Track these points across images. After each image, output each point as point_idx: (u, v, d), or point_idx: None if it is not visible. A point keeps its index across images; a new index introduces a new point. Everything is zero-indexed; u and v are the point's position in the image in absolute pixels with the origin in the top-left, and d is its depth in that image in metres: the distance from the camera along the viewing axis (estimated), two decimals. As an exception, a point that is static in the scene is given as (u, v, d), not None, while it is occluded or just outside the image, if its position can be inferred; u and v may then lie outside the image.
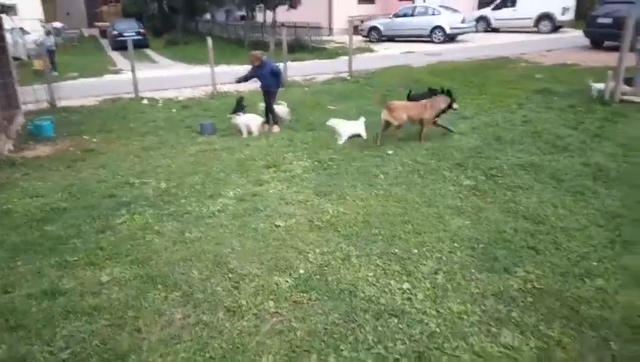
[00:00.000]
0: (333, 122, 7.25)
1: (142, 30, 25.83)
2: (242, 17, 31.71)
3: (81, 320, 3.05)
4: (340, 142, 7.03)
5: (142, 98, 11.27)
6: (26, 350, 2.80)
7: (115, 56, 22.39)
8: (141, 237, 4.25)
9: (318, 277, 3.49)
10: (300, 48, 19.29)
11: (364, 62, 14.70)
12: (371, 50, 18.98)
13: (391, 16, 21.79)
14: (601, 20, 15.13)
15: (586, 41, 16.20)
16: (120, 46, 21.69)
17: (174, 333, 2.92)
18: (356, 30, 22.94)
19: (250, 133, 7.84)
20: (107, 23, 30.21)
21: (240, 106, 7.94)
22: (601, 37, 15.35)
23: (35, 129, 8.47)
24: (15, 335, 2.93)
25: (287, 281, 3.45)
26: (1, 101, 8.40)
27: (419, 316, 3.00)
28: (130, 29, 25.19)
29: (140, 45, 22.87)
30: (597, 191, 4.74)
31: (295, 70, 13.42)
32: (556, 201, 4.57)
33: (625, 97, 8.40)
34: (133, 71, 11.51)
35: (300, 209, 4.74)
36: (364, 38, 22.13)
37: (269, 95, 8.05)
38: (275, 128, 8.09)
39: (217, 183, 5.56)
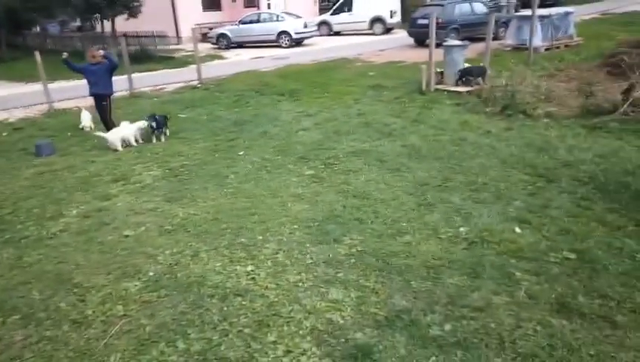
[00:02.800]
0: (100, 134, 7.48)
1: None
2: (79, 28, 29.28)
3: None
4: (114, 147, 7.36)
5: (-40, 124, 9.93)
6: None
7: None
8: (-31, 269, 3.94)
9: (167, 276, 3.65)
10: (146, 58, 18.56)
11: (215, 70, 14.80)
12: (221, 57, 19.11)
13: (237, 22, 22.15)
14: (420, 22, 17.34)
15: (411, 41, 18.41)
16: None
17: (15, 354, 2.86)
18: (206, 37, 22.87)
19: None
20: None
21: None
22: (422, 36, 17.59)
23: None
24: None
25: (136, 285, 3.54)
26: None
27: (260, 291, 3.36)
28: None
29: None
30: (410, 166, 5.63)
31: (143, 81, 13.00)
32: (379, 179, 5.33)
33: (438, 86, 9.88)
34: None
35: (149, 217, 4.79)
36: (214, 46, 22.15)
37: (103, 102, 7.69)
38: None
39: (58, 203, 5.31)
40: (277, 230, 4.30)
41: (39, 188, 5.88)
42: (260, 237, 4.18)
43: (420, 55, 15.09)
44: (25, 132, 9.20)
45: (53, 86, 11.42)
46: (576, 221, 4.03)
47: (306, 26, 21.02)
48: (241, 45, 21.76)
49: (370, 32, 23.46)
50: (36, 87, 12.62)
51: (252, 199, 5.07)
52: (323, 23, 24.57)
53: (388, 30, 23.56)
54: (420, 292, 3.25)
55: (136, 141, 7.69)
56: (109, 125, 7.82)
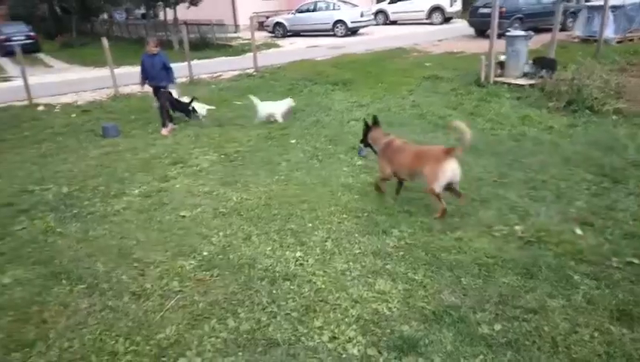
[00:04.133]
0: (254, 99, 7.90)
1: (32, 34, 24.05)
2: (143, 16, 30.53)
3: (-17, 321, 3.10)
4: (256, 120, 7.71)
5: (36, 105, 10.69)
6: None
7: (4, 62, 20.68)
8: (43, 240, 4.26)
9: (220, 256, 3.78)
10: (205, 46, 19.13)
11: (270, 58, 15.00)
12: (277, 46, 19.33)
13: (294, 11, 22.28)
14: (481, 10, 16.71)
15: (472, 31, 17.80)
16: (9, 51, 20.03)
17: (80, 321, 3.07)
18: (262, 26, 23.21)
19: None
20: (-7, 27, 27.63)
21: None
22: (483, 26, 16.95)
23: None
24: None
25: (191, 263, 3.70)
26: None
27: (308, 277, 3.42)
28: (18, 32, 23.41)
29: (31, 50, 21.33)
30: (465, 160, 5.46)
31: (201, 68, 13.41)
32: (432, 172, 5.23)
33: (498, 79, 9.52)
34: (24, 77, 10.88)
35: (205, 199, 4.97)
36: (270, 34, 22.43)
37: (160, 92, 7.85)
38: (164, 130, 7.85)
39: (122, 183, 5.62)
40: (326, 218, 4.34)
41: (104, 168, 6.25)
42: (310, 225, 4.24)
43: (480, 46, 14.55)
44: (92, 114, 9.77)
45: (119, 71, 12.01)
46: (644, 225, 3.80)
47: (362, 15, 20.82)
48: (297, 34, 21.92)
49: (428, 21, 22.89)
50: (103, 71, 13.36)
51: (303, 187, 5.14)
52: (379, 11, 24.24)
53: (447, 19, 22.89)
54: (470, 289, 3.19)
55: (282, 118, 7.94)
56: (163, 114, 8.00)
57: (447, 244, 3.74)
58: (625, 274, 3.19)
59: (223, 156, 6.41)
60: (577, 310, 2.91)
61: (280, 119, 7.91)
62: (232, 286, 3.36)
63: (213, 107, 8.81)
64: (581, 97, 7.34)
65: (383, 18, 24.23)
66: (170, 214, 4.64)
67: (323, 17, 21.16)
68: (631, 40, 13.26)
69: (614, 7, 12.93)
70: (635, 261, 3.31)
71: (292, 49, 18.22)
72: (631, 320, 2.77)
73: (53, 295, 3.35)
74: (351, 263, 3.57)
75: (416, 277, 3.34)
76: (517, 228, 3.90)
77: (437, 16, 22.71)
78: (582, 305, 2.95)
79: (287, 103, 8.08)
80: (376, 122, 4.85)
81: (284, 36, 21.93)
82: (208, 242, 4.02)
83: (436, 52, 14.39)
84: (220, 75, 13.17)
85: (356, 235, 3.98)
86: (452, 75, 10.59)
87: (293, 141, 6.85)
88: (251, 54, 13.57)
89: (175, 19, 21.27)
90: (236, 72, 13.32)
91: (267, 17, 23.87)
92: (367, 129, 4.88)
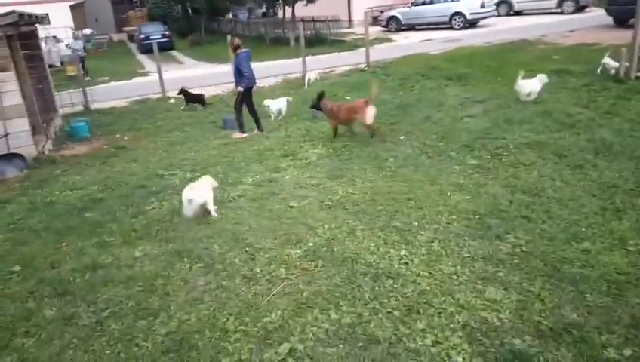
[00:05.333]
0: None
1: (167, 33, 26.66)
2: (264, 14, 32.24)
3: (119, 287, 3.52)
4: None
5: (169, 97, 11.88)
6: (73, 311, 3.29)
7: (143, 59, 23.28)
8: (169, 220, 4.72)
9: (325, 248, 3.85)
10: (319, 42, 19.60)
11: (382, 52, 14.90)
12: (390, 40, 19.12)
13: (409, 5, 21.81)
14: (624, -3, 14.78)
15: (610, 20, 15.86)
16: (147, 49, 22.47)
17: (197, 296, 3.35)
18: (376, 21, 23.12)
19: None
20: (134, 27, 31.25)
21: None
22: (624, 14, 15.00)
23: (71, 130, 9.16)
24: (63, 300, 3.44)
25: (297, 252, 3.83)
26: (40, 105, 9.10)
27: (412, 277, 3.33)
28: (156, 32, 26.07)
29: (165, 47, 23.65)
30: (596, 164, 4.92)
31: (315, 63, 13.77)
32: (555, 175, 4.79)
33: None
34: (159, 72, 12.13)
35: (312, 191, 5.11)
36: (384, 29, 22.24)
37: (241, 94, 7.77)
38: (238, 134, 7.85)
39: (238, 172, 6.00)
40: (433, 218, 4.19)
41: (223, 157, 6.73)
42: (416, 223, 4.13)
43: (620, 36, 12.92)
44: (214, 107, 10.58)
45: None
46: None
47: (482, 6, 19.67)
48: (411, 28, 21.46)
49: (558, 10, 20.90)
50: (225, 67, 14.37)
51: (409, 184, 5.02)
52: (503, 2, 22.68)
53: (581, 8, 20.68)
54: (596, 307, 2.85)
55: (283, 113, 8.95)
56: (238, 115, 7.96)
57: (571, 256, 3.39)
58: None
59: (331, 150, 6.52)
60: None
61: (283, 113, 8.97)
62: (335, 278, 3.40)
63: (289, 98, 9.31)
64: None
65: (506, 8, 22.65)
66: (280, 204, 4.84)
67: (440, 9, 20.41)
68: None
69: None
70: None
71: (405, 43, 17.88)
72: None
73: (175, 270, 3.70)
74: (459, 267, 3.41)
75: (533, 289, 3.08)
76: (658, 243, 3.40)
77: (569, 5, 20.64)
78: None
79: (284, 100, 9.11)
80: (323, 95, 7.21)
81: (398, 30, 21.60)
82: (314, 233, 4.12)
83: (566, 44, 13.08)
84: (332, 70, 13.40)
85: (466, 238, 3.79)
86: (585, 70, 9.53)
87: (402, 137, 6.73)
88: (364, 49, 13.59)
89: (293, 16, 22.11)
90: (348, 67, 13.45)
91: (382, 12, 23.70)
92: (319, 99, 7.13)
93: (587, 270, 3.21)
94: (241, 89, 7.79)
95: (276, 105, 9.07)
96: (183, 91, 10.69)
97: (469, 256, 3.54)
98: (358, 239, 3.96)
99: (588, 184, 4.50)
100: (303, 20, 18.62)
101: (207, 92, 12.25)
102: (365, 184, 5.17)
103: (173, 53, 24.75)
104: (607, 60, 8.80)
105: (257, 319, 3.03)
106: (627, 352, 2.50)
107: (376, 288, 3.25)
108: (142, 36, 25.82)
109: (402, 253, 3.67)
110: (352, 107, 6.78)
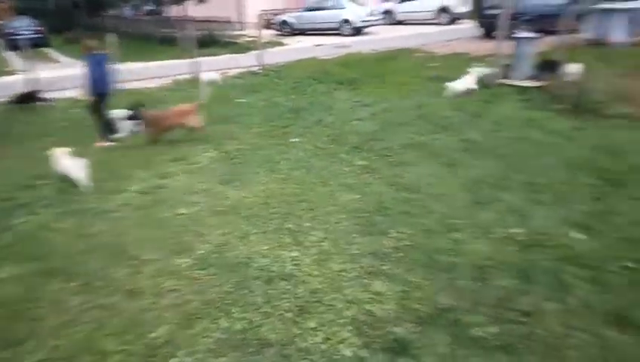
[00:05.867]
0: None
1: (39, 28, 24.16)
2: (151, 12, 30.65)
3: (-24, 316, 3.11)
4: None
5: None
6: None
7: (10, 56, 20.81)
8: (41, 235, 4.27)
9: (216, 255, 3.77)
10: (212, 43, 19.14)
11: (276, 56, 14.98)
12: (283, 44, 19.32)
13: (301, 10, 22.25)
14: (489, 12, 16.56)
15: (480, 32, 17.67)
16: (15, 45, 20.11)
17: (71, 318, 3.07)
18: (269, 24, 23.21)
19: None
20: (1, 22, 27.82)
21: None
22: (491, 27, 16.80)
23: None
24: None
25: (186, 262, 3.70)
26: None
27: (304, 277, 3.40)
28: (25, 27, 23.52)
29: (38, 44, 21.41)
30: (467, 162, 5.44)
31: (207, 65, 13.38)
32: (432, 173, 5.20)
33: (503, 80, 9.43)
34: (28, 71, 10.94)
35: (203, 197, 4.97)
36: (277, 32, 22.42)
37: (95, 101, 7.27)
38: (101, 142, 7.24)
39: (121, 179, 5.62)
40: (324, 218, 4.32)
41: (103, 164, 6.25)
42: (308, 224, 4.22)
43: (487, 47, 14.46)
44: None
45: (124, 68, 11.99)
46: (644, 230, 3.74)
47: (369, 15, 20.75)
48: (303, 32, 21.89)
49: (435, 21, 22.78)
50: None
51: (302, 186, 5.12)
52: (386, 11, 24.14)
53: (455, 20, 22.76)
54: (466, 291, 3.16)
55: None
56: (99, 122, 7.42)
57: (445, 246, 3.71)
58: (621, 279, 3.15)
59: (223, 154, 6.41)
60: (572, 314, 2.87)
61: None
62: (227, 285, 3.34)
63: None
64: (586, 100, 7.25)
65: (389, 18, 24.13)
66: (168, 211, 4.64)
67: (330, 16, 21.10)
68: None
69: (626, 10, 12.79)
70: (632, 265, 3.26)
71: (298, 47, 18.20)
72: (626, 324, 2.73)
73: (46, 291, 3.36)
74: (348, 264, 3.55)
75: (413, 279, 3.32)
76: (515, 230, 3.85)
77: (445, 17, 22.60)
78: (577, 308, 2.91)
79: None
80: (141, 104, 7.36)
81: (291, 34, 21.91)
82: (204, 240, 4.01)
83: (442, 53, 14.29)
84: (225, 72, 13.15)
85: (354, 235, 3.96)
86: (457, 76, 10.47)
87: (294, 140, 6.83)
88: (257, 52, 13.56)
89: (182, 15, 21.31)
90: (241, 70, 13.31)
91: (275, 15, 23.86)
92: (136, 108, 7.14)
93: (458, 258, 3.54)
94: (89, 97, 7.30)
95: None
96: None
97: (357, 253, 3.70)
98: (250, 243, 3.94)
99: (460, 180, 4.96)
100: (194, 20, 18.07)
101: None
102: (258, 187, 5.15)
103: (48, 50, 22.48)
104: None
105: (142, 336, 2.87)
106: (492, 330, 2.79)
107: (269, 291, 3.26)
108: (9, 31, 23.11)
109: (294, 254, 3.72)
110: (181, 111, 6.97)
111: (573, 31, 14.47)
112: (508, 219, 4.05)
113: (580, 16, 16.56)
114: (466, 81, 8.85)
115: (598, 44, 13.25)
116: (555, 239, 3.66)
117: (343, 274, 3.44)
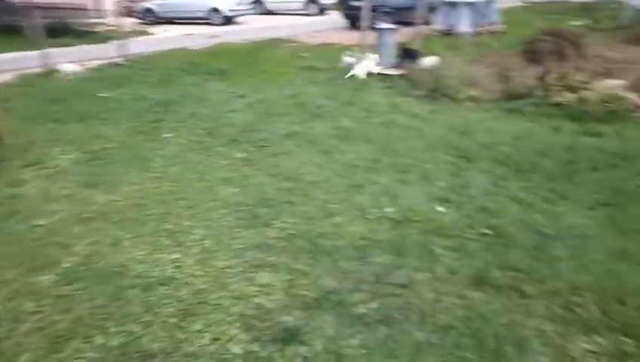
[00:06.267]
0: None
1: None
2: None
3: None
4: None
5: None
6: None
7: None
8: None
9: (84, 267, 3.43)
10: (65, 32, 17.18)
11: (140, 46, 13.98)
12: (148, 33, 18.12)
13: (166, -3, 21.07)
14: (353, 3, 17.38)
15: (346, 23, 18.47)
16: None
17: None
18: (131, 12, 21.55)
19: None
20: None
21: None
22: (355, 18, 17.65)
23: None
24: None
25: (49, 278, 3.30)
26: None
27: (187, 279, 3.26)
28: None
29: None
30: (341, 148, 5.68)
31: (62, 57, 12.00)
32: (310, 161, 5.33)
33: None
34: None
35: (65, 204, 4.46)
36: (140, 21, 20.94)
37: None
38: None
39: (-41, 192, 4.81)
40: (205, 215, 4.18)
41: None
42: (187, 223, 4.05)
43: (354, 37, 15.16)
44: None
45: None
46: (493, 199, 4.28)
47: (238, 4, 20.40)
48: (169, 21, 20.75)
49: (304, 12, 23.24)
50: None
51: (179, 183, 4.89)
52: (256, 1, 23.97)
53: (322, 11, 23.47)
54: (348, 272, 3.31)
55: None
56: None
57: (327, 231, 3.84)
58: (480, 245, 3.57)
59: (86, 154, 5.82)
60: (440, 280, 3.18)
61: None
62: (100, 298, 3.07)
63: None
64: (441, 86, 8.03)
65: (260, 8, 24.02)
66: (23, 223, 4.09)
67: (197, 4, 20.29)
68: (482, 34, 14.86)
69: (468, 4, 14.36)
70: (488, 231, 3.72)
71: (164, 37, 17.22)
72: (485, 285, 3.11)
73: None
74: (232, 259, 3.49)
75: (298, 267, 3.38)
76: (388, 209, 4.14)
77: (313, 8, 23.17)
78: (444, 275, 3.23)
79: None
80: None
81: (155, 23, 20.60)
82: (70, 252, 3.62)
83: (313, 43, 14.67)
84: (82, 64, 11.93)
85: (237, 230, 3.90)
86: (328, 66, 10.87)
87: (167, 135, 6.47)
88: (119, 42, 12.52)
89: (28, 1, 18.73)
90: (100, 61, 12.18)
91: (136, 3, 22.21)
92: None
93: (339, 241, 3.69)
94: None
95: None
96: None
97: (241, 247, 3.65)
98: (124, 250, 3.65)
99: (336, 166, 5.16)
100: (42, 7, 16.00)
101: None
102: (130, 188, 4.80)
103: None
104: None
105: (-1, 369, 2.51)
106: (373, 305, 2.97)
107: (149, 298, 3.07)
108: None
109: (175, 256, 3.55)
110: None
111: (427, 22, 15.92)
112: (381, 200, 4.33)
113: (431, 9, 18.25)
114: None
115: (447, 34, 14.75)
116: (422, 214, 4.00)
117: (228, 270, 3.37)
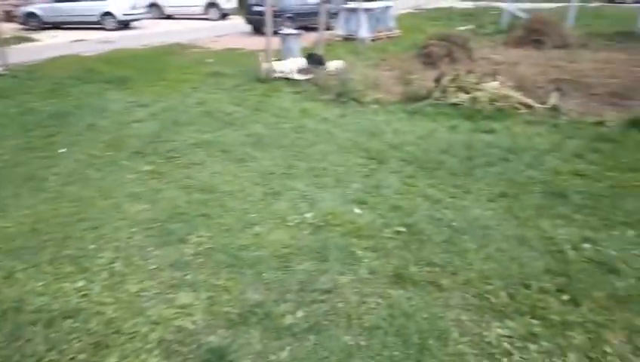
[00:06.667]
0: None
1: None
2: None
3: None
4: None
5: None
6: None
7: None
8: None
9: (-30, 308, 3.01)
10: None
11: (23, 54, 12.73)
12: (32, 40, 16.53)
13: (51, 0, 19.34)
14: (255, 8, 17.32)
15: (249, 27, 18.32)
16: None
17: None
18: (11, 17, 19.48)
19: None
20: None
21: None
22: (258, 23, 17.60)
23: None
24: None
25: None
26: None
27: (96, 308, 2.99)
28: None
29: None
30: (255, 156, 5.60)
31: None
32: (224, 170, 5.18)
33: (277, 74, 10.01)
34: None
35: (-59, 236, 3.89)
36: (22, 26, 19.01)
37: None
38: None
39: None
40: (113, 235, 3.88)
41: None
42: (93, 246, 3.72)
43: (258, 42, 15.08)
44: None
45: None
46: (404, 198, 4.47)
47: (134, 8, 19.35)
48: (57, 26, 19.08)
49: (205, 16, 22.68)
50: None
51: (79, 203, 4.48)
52: (153, 4, 22.93)
53: (224, 15, 23.07)
54: (272, 282, 3.25)
55: None
56: None
57: (247, 242, 3.74)
58: (396, 243, 3.70)
59: (-35, 177, 5.14)
60: (363, 282, 3.25)
61: None
62: (-8, 341, 2.70)
63: None
64: (347, 90, 8.25)
65: (157, 12, 22.99)
66: None
67: (88, 8, 18.91)
68: (380, 39, 15.58)
69: (366, 10, 14.96)
70: (403, 229, 3.87)
71: (52, 43, 15.82)
72: (405, 282, 3.23)
73: None
74: (147, 281, 3.26)
75: (219, 282, 3.25)
76: (307, 215, 4.15)
77: (214, 12, 22.69)
78: (366, 276, 3.30)
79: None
80: None
81: (40, 29, 18.83)
82: (-49, 292, 3.16)
83: (216, 48, 14.36)
84: (-48, 76, 10.54)
85: (150, 249, 3.67)
86: (234, 72, 10.70)
87: (63, 150, 5.93)
88: (-4, 49, 11.23)
89: None
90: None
91: (16, 6, 20.13)
92: None
93: (261, 251, 3.62)
94: None
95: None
96: None
97: (155, 267, 3.43)
98: (19, 282, 3.26)
99: (251, 174, 5.07)
100: None
101: None
102: (22, 212, 4.31)
103: None
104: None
105: None
106: (300, 314, 2.95)
107: (52, 335, 2.76)
108: None
109: (80, 284, 3.24)
110: None
111: (329, 28, 16.34)
112: (300, 206, 4.33)
113: (333, 15, 18.76)
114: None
115: (348, 39, 15.27)
116: (341, 217, 4.07)
117: (143, 293, 3.15)
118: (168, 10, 23.02)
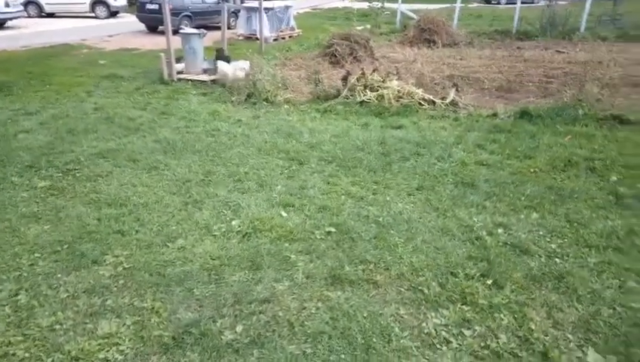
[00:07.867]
0: None
1: None
2: None
3: None
4: None
5: None
6: None
7: None
8: None
9: None
10: None
11: None
12: None
13: None
14: (149, 6, 16.39)
15: (142, 26, 17.28)
16: None
17: None
18: None
19: None
20: None
21: None
22: (153, 22, 16.69)
23: None
24: None
25: None
26: None
27: (2, 350, 2.59)
28: None
29: None
30: (168, 163, 5.27)
31: None
32: (135, 181, 4.81)
33: (180, 76, 9.54)
34: None
35: None
36: None
37: None
38: None
39: None
40: (11, 264, 3.40)
41: None
42: (-13, 279, 3.23)
43: (155, 42, 14.36)
44: None
45: None
46: (329, 197, 4.49)
47: (7, 5, 17.26)
48: None
49: (92, 15, 20.96)
50: None
51: (-37, 230, 3.87)
52: (31, 2, 20.65)
53: (113, 13, 21.51)
54: (204, 298, 3.07)
55: None
56: None
57: (171, 257, 3.50)
58: (328, 243, 3.69)
59: None
60: (301, 287, 3.19)
61: None
62: None
63: None
64: (257, 90, 8.11)
65: (36, 10, 20.75)
66: None
67: (-54, 4, 16.49)
68: (283, 38, 15.59)
69: (267, 9, 14.85)
70: (332, 229, 3.88)
71: None
72: (341, 282, 3.23)
73: None
74: (59, 313, 2.90)
75: (145, 305, 2.99)
76: (233, 223, 3.98)
77: (102, 10, 21.05)
78: (303, 281, 3.25)
79: None
80: None
81: None
82: None
83: (109, 48, 13.34)
84: None
85: (59, 275, 3.27)
86: (133, 74, 10.02)
87: None
88: None
89: None
90: None
91: None
92: None
93: (188, 266, 3.40)
94: None
95: None
96: None
97: (68, 296, 3.07)
98: None
99: (166, 183, 4.76)
100: None
101: None
102: None
103: None
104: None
105: None
106: (239, 328, 2.81)
107: (-53, 390, 2.34)
108: None
109: (-25, 326, 2.78)
110: None
111: (229, 27, 15.99)
112: (224, 213, 4.15)
113: (233, 14, 18.40)
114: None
115: (250, 38, 15.08)
116: (269, 222, 3.96)
117: (57, 327, 2.79)
118: (48, 8, 20.83)
